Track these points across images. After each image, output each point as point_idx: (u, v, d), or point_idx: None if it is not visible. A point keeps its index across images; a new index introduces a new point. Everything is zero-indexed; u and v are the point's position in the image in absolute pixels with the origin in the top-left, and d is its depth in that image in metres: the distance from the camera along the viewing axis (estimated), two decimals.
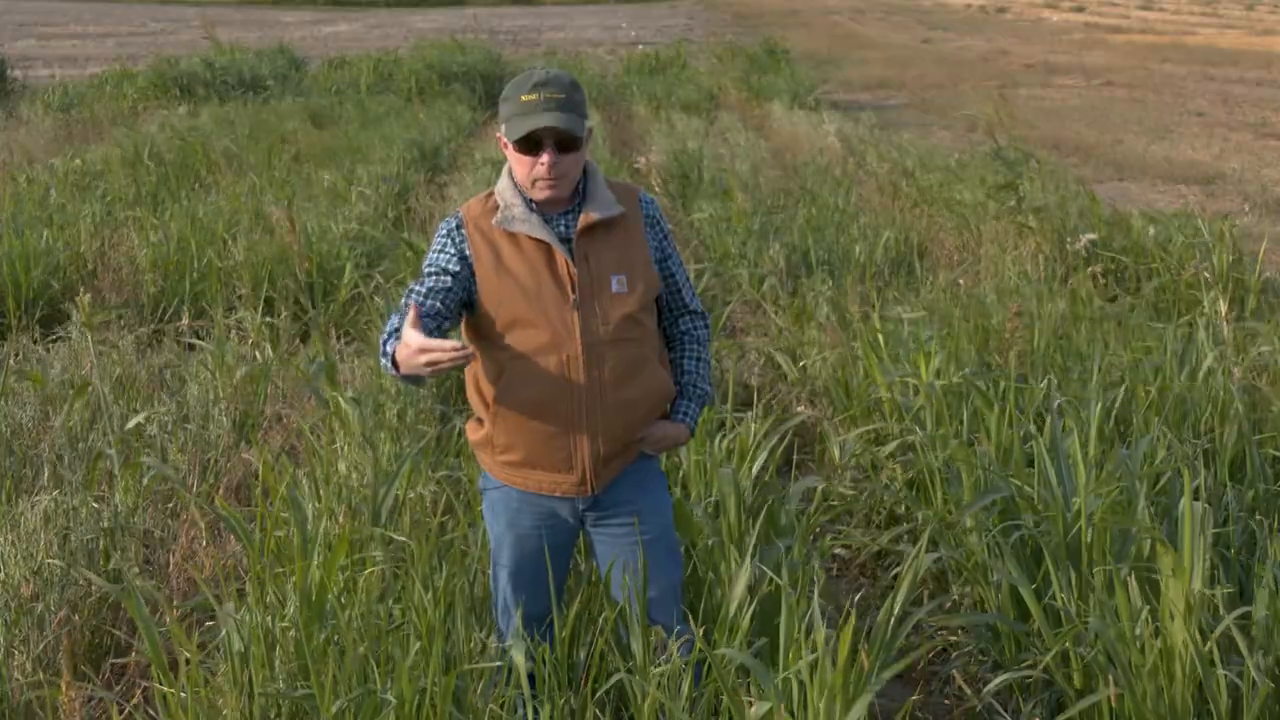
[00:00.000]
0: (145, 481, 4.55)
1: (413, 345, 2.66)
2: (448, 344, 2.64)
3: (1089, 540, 3.58)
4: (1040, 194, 8.71)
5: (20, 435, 5.03)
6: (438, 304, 2.92)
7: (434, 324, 2.87)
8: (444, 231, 3.06)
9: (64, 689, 3.03)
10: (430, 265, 3.02)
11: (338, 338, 6.71)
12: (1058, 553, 3.60)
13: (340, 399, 4.83)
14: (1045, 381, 4.94)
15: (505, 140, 2.99)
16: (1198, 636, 3.06)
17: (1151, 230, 7.67)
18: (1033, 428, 4.40)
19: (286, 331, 6.61)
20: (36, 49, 27.06)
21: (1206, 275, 6.69)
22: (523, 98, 2.94)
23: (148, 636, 3.10)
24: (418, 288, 2.97)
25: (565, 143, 2.95)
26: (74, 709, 3.03)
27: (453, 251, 3.01)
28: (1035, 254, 7.65)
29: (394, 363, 2.78)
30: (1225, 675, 3.05)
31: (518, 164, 2.98)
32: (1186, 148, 14.71)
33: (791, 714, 2.87)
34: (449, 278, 2.96)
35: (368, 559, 3.64)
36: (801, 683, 2.89)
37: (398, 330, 2.83)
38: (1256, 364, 5.46)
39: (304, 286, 7.36)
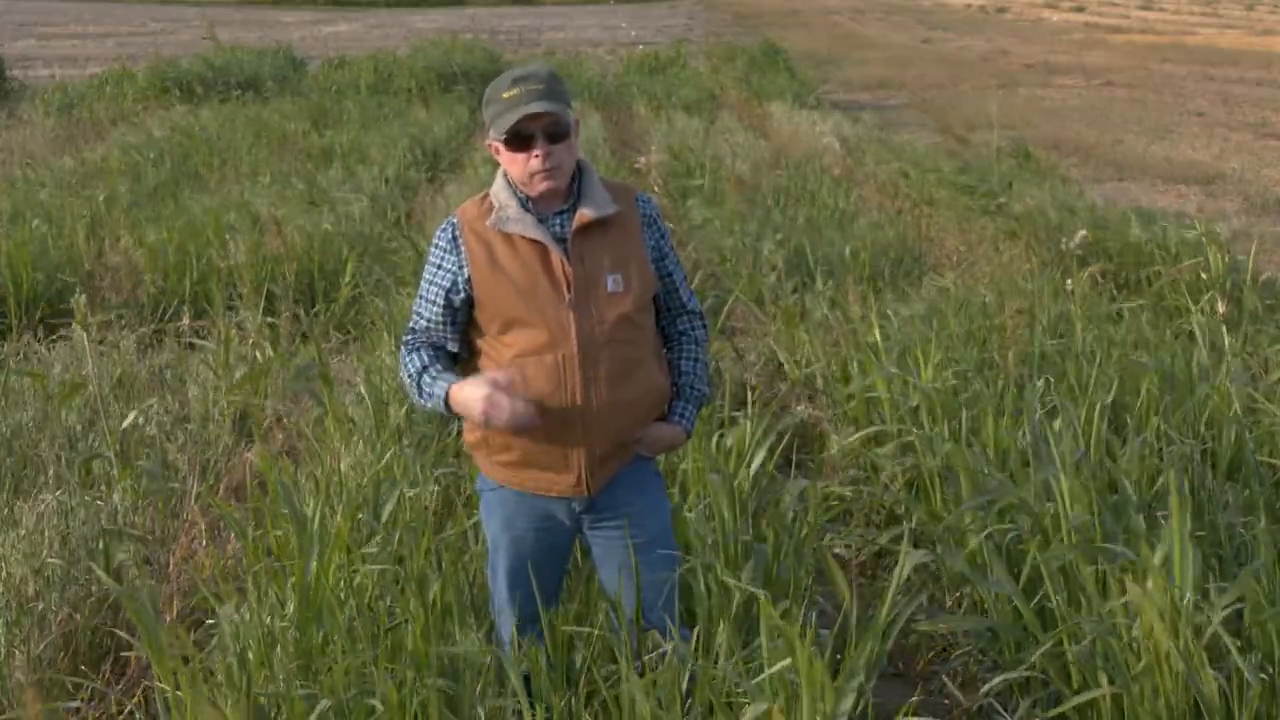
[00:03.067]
0: (144, 482, 4.56)
1: (476, 398, 2.90)
2: (520, 406, 2.87)
3: (1075, 542, 3.58)
4: (1028, 196, 8.72)
5: (21, 435, 5.04)
6: (448, 336, 3.07)
7: (457, 347, 3.10)
8: (440, 243, 3.08)
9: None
10: (427, 294, 3.08)
11: (338, 337, 6.72)
12: (1046, 554, 3.60)
13: (338, 403, 4.84)
14: (1041, 382, 4.94)
15: (495, 143, 3.02)
16: (1189, 637, 3.07)
17: (1137, 229, 7.67)
18: (1029, 428, 4.40)
19: (287, 331, 6.62)
20: (36, 49, 27.07)
21: (1204, 275, 6.69)
22: (504, 95, 2.98)
23: (147, 637, 3.11)
24: (422, 320, 3.08)
25: (554, 132, 2.97)
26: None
27: (446, 282, 3.04)
28: (1027, 255, 7.67)
29: (445, 401, 2.97)
30: (1217, 675, 3.05)
31: (511, 164, 3.00)
32: (1186, 148, 14.72)
33: (786, 715, 2.88)
34: (448, 313, 3.05)
35: (366, 558, 3.64)
36: (792, 683, 2.89)
37: (426, 369, 3.02)
38: (1257, 364, 5.47)
39: (300, 289, 7.36)
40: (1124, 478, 3.84)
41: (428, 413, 3.06)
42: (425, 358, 3.06)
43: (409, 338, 3.11)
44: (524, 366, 2.96)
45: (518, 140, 2.96)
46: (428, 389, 3.02)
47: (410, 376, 3.06)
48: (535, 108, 2.93)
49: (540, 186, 3.00)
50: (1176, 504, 3.19)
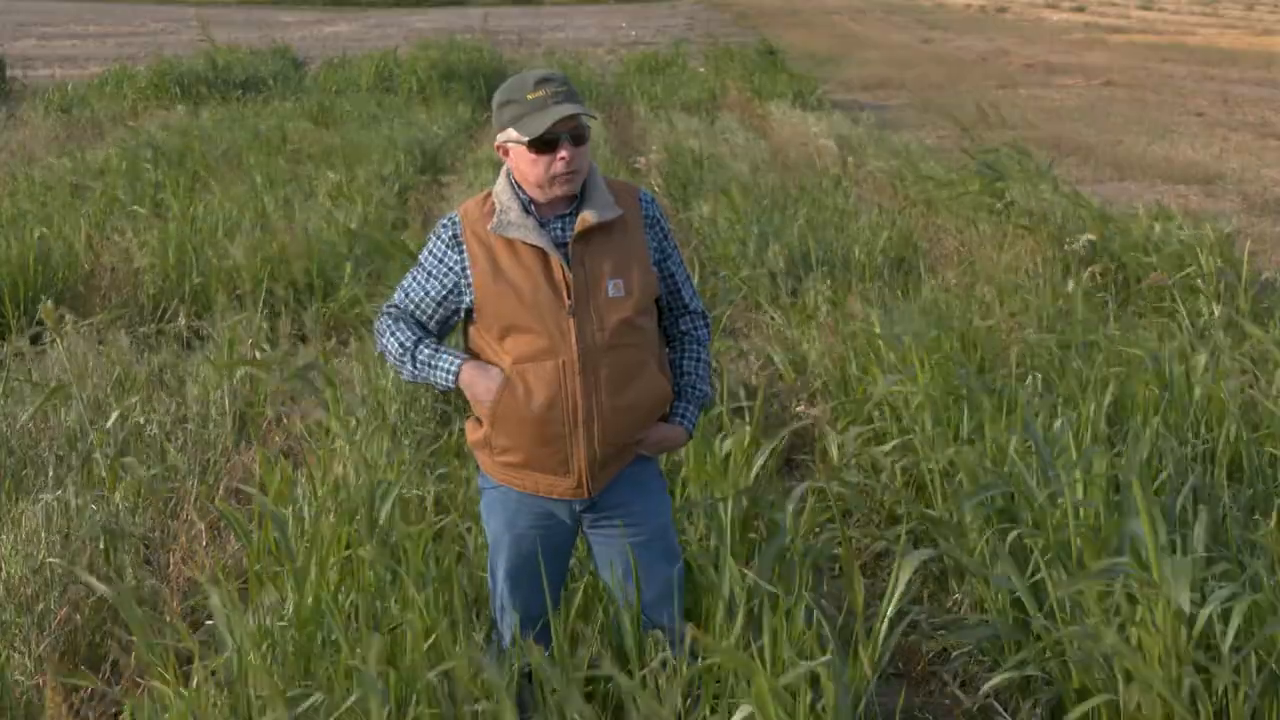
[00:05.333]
0: (144, 483, 4.55)
1: (485, 388, 2.99)
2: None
3: (1078, 542, 3.58)
4: (1032, 196, 8.72)
5: (19, 435, 5.03)
6: (433, 321, 3.12)
7: (437, 332, 3.15)
8: (442, 237, 3.07)
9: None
10: (422, 282, 3.09)
11: (336, 338, 6.72)
12: (1049, 553, 3.60)
13: (338, 400, 4.83)
14: (1041, 381, 4.94)
15: (509, 146, 3.00)
16: (1187, 637, 3.06)
17: (1158, 227, 7.67)
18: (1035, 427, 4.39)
19: (286, 332, 6.62)
20: (36, 49, 27.05)
21: (1199, 281, 6.69)
22: (529, 96, 2.95)
23: (141, 641, 3.10)
24: (410, 301, 3.11)
25: (579, 134, 2.97)
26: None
27: (449, 281, 3.06)
28: (1033, 255, 7.66)
29: (455, 377, 3.02)
30: (1216, 674, 3.05)
31: (531, 165, 2.97)
32: (1186, 148, 14.70)
33: (790, 715, 2.88)
34: (425, 302, 3.10)
35: (366, 558, 3.63)
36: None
37: (421, 341, 3.06)
38: (1256, 364, 5.46)
39: (303, 287, 7.37)
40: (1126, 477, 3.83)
41: (413, 381, 3.11)
42: (416, 331, 3.09)
43: (391, 309, 3.14)
44: (524, 372, 2.96)
45: (542, 143, 2.95)
46: (429, 361, 3.04)
47: (401, 346, 3.07)
48: (569, 108, 2.92)
49: (558, 191, 2.98)
50: (1145, 514, 3.18)
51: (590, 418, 2.97)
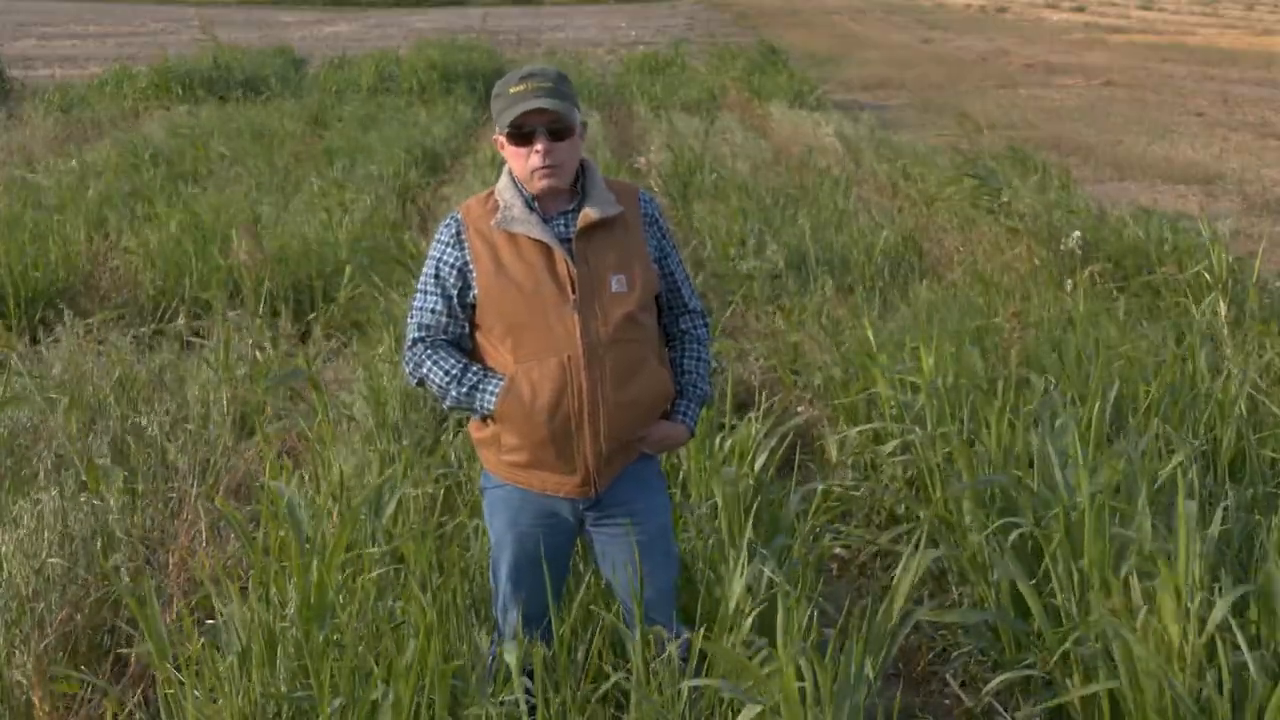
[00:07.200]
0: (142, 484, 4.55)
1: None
2: None
3: (1087, 539, 3.57)
4: (1027, 197, 8.72)
5: (19, 435, 5.03)
6: (463, 327, 3.08)
7: (460, 335, 3.09)
8: (443, 237, 3.08)
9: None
10: (431, 287, 3.08)
11: (337, 338, 6.72)
12: (1057, 550, 3.60)
13: (337, 403, 4.83)
14: (1044, 380, 4.94)
15: (500, 137, 3.02)
16: (1194, 636, 3.06)
17: (1135, 229, 7.67)
18: (1034, 426, 4.39)
19: (286, 332, 6.61)
20: (36, 49, 27.05)
21: (1207, 276, 6.67)
22: (511, 90, 3.00)
23: (149, 630, 3.10)
24: (429, 314, 3.07)
25: (557, 130, 2.98)
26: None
27: (451, 276, 3.05)
28: (1029, 255, 7.66)
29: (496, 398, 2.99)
30: (1222, 673, 3.05)
31: (514, 158, 3.01)
32: (1186, 148, 14.70)
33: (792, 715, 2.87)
34: (449, 312, 3.07)
35: (367, 558, 3.64)
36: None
37: (468, 367, 3.03)
38: (1257, 363, 5.46)
39: (300, 290, 7.36)
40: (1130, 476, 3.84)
41: (461, 410, 3.09)
42: (459, 355, 3.06)
43: (424, 335, 3.08)
44: (529, 371, 2.96)
45: (520, 135, 2.98)
46: (475, 384, 3.01)
47: (447, 374, 3.03)
48: (536, 104, 2.93)
49: (539, 184, 3.00)
50: (1182, 504, 3.18)
51: (595, 413, 2.97)
